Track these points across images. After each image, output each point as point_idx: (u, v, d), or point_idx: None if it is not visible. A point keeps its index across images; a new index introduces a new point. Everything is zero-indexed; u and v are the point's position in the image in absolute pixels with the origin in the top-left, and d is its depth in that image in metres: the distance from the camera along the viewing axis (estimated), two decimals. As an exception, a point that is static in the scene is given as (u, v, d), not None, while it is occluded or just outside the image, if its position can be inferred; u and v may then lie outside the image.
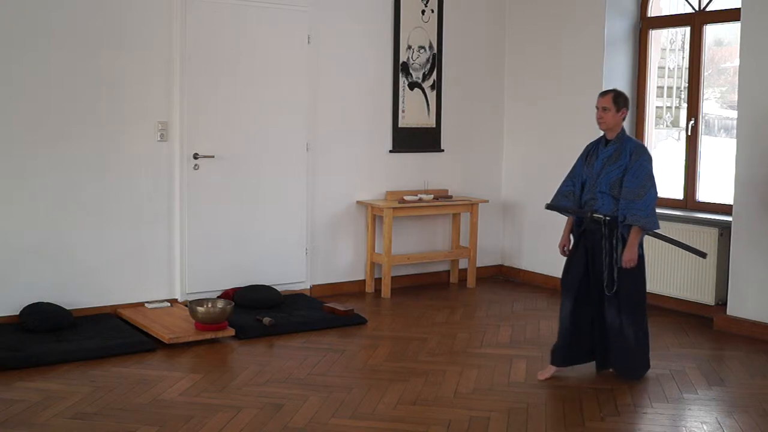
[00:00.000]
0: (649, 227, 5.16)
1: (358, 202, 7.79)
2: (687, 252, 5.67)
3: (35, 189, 6.28)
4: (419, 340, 6.16)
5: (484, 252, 8.47)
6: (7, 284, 6.20)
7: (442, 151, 8.25)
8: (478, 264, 8.28)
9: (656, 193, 5.20)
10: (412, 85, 8.01)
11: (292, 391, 4.99)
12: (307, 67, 7.36)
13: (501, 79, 8.59)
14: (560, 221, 7.92)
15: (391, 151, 7.94)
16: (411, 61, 7.98)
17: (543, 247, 8.21)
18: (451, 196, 8.12)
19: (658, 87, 7.81)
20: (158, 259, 6.82)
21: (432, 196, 7.89)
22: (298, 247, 7.44)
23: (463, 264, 8.31)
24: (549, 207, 5.62)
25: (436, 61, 8.12)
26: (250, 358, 5.60)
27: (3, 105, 6.12)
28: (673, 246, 7.05)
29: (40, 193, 6.30)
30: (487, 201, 8.27)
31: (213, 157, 6.89)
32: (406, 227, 8.02)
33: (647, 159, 5.24)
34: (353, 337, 6.29)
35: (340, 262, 7.74)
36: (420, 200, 7.77)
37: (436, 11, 8.08)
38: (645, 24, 7.64)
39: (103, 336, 5.92)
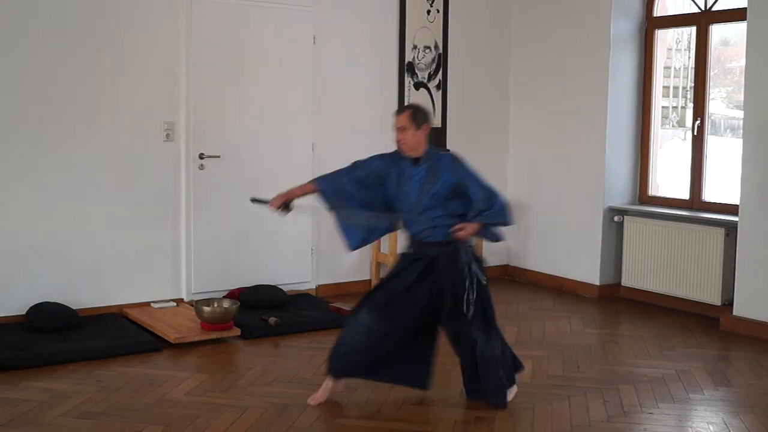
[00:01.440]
0: (509, 223, 4.84)
1: (363, 202, 7.77)
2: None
3: (41, 189, 6.29)
4: (425, 340, 6.15)
5: (490, 251, 8.45)
6: (14, 284, 6.21)
7: (448, 151, 8.22)
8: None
9: (489, 186, 4.85)
10: (418, 85, 8.01)
11: (298, 391, 4.99)
12: (313, 67, 7.36)
13: (506, 79, 8.58)
14: (566, 222, 7.95)
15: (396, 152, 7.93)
16: (416, 61, 7.98)
17: (549, 247, 8.21)
18: (456, 196, 8.10)
19: (663, 87, 7.80)
20: (164, 259, 6.83)
21: (437, 196, 7.87)
22: (304, 247, 7.44)
23: (468, 264, 8.28)
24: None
25: (441, 61, 8.12)
26: (255, 358, 5.60)
27: (8, 105, 6.13)
28: (673, 247, 7.07)
29: (46, 192, 6.31)
30: (492, 201, 8.24)
31: (219, 157, 6.90)
32: (412, 227, 8.00)
33: (462, 161, 4.91)
34: (359, 337, 6.28)
35: (346, 262, 7.74)
36: (425, 200, 7.75)
37: (441, 11, 8.08)
38: (651, 24, 7.63)
39: (109, 336, 5.92)
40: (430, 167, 4.81)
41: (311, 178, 5.02)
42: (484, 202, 4.76)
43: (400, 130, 4.80)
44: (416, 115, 4.80)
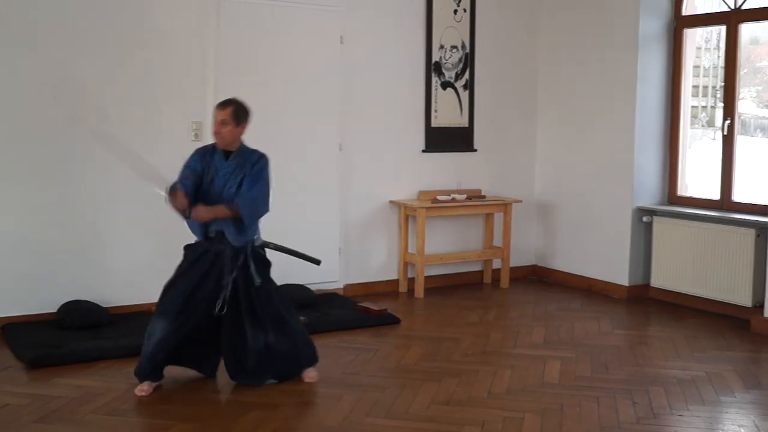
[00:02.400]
0: (244, 220, 4.91)
1: (391, 202, 7.79)
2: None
3: (73, 189, 6.36)
4: (452, 340, 6.16)
5: (518, 252, 8.44)
6: (46, 282, 6.28)
7: (475, 150, 8.23)
8: (512, 264, 8.25)
9: (266, 203, 5.02)
10: (445, 85, 8.01)
11: (326, 390, 5.01)
12: (340, 67, 7.38)
13: (534, 78, 8.55)
14: (594, 222, 7.91)
15: (423, 151, 7.95)
16: (443, 61, 7.98)
17: (577, 247, 8.18)
18: (484, 196, 8.11)
19: (693, 86, 7.74)
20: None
21: (465, 196, 7.88)
22: (332, 247, 7.46)
23: (496, 264, 8.29)
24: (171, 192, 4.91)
25: (468, 61, 8.11)
26: (284, 357, 5.62)
27: (40, 107, 6.20)
28: (702, 248, 7.02)
29: (78, 193, 6.38)
30: (520, 201, 8.24)
31: (247, 156, 6.93)
32: (439, 227, 8.01)
33: (268, 169, 5.06)
34: (386, 336, 6.30)
35: (374, 261, 7.75)
36: (453, 200, 7.77)
37: (468, 11, 8.07)
38: (679, 23, 7.58)
39: (138, 334, 5.90)
40: (239, 163, 5.01)
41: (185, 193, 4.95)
42: (246, 192, 4.93)
43: (221, 123, 4.96)
44: (239, 112, 5.00)
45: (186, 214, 4.93)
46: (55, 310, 6.24)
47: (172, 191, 4.81)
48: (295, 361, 5.18)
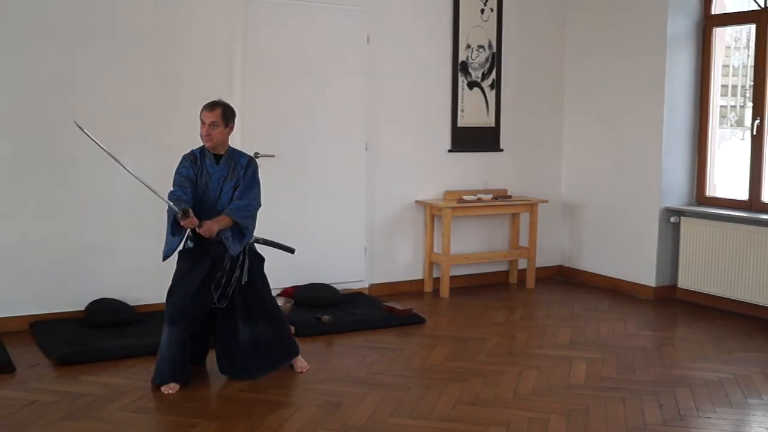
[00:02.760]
0: (242, 223, 5.02)
1: (416, 201, 7.79)
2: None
3: (100, 189, 6.41)
4: (478, 341, 6.15)
5: (544, 252, 8.41)
6: (74, 280, 6.34)
7: (501, 150, 8.21)
8: (538, 264, 8.23)
9: (258, 204, 5.15)
10: (471, 85, 7.99)
11: (351, 390, 5.02)
12: (367, 67, 7.38)
13: (561, 78, 8.52)
14: (621, 223, 7.86)
15: (450, 151, 7.94)
16: (470, 61, 7.96)
17: (603, 248, 8.14)
18: (510, 196, 8.08)
19: (722, 86, 7.67)
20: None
21: (491, 195, 7.86)
22: (357, 247, 7.47)
23: (522, 264, 8.26)
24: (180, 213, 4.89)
25: (495, 60, 8.09)
26: (309, 356, 5.63)
27: (66, 107, 6.24)
28: (730, 249, 6.95)
29: (104, 193, 6.43)
30: (546, 201, 8.21)
31: (273, 156, 6.95)
32: (465, 227, 8.00)
33: (257, 173, 5.17)
34: (412, 336, 6.30)
35: (399, 261, 7.76)
36: (479, 200, 7.75)
37: (495, 10, 8.04)
38: (709, 22, 7.51)
39: (165, 332, 6.01)
40: (230, 165, 5.10)
41: (184, 204, 4.95)
42: (237, 201, 5.04)
43: (210, 125, 5.00)
44: (227, 112, 5.05)
45: (197, 227, 4.97)
46: (82, 308, 6.30)
47: (185, 215, 4.83)
48: (284, 348, 5.36)
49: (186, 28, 6.64)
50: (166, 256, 5.08)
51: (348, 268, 7.45)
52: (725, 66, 7.74)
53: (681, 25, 7.47)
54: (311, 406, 4.73)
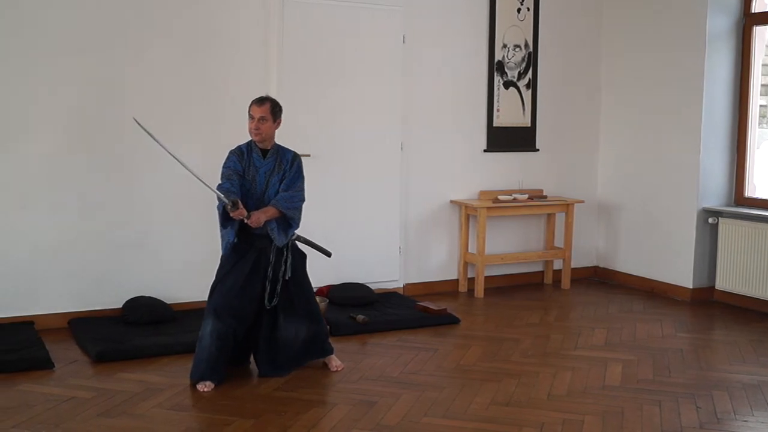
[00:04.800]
0: (288, 214, 5.12)
1: (451, 201, 7.78)
2: None
3: (138, 188, 6.48)
4: (512, 341, 6.13)
5: (579, 253, 8.36)
6: (111, 279, 6.42)
7: (537, 150, 8.17)
8: (573, 265, 8.18)
9: (303, 197, 5.26)
10: (507, 84, 7.96)
11: (385, 389, 5.02)
12: (402, 67, 7.39)
13: (597, 78, 8.46)
14: (658, 223, 7.80)
15: (485, 151, 7.92)
16: (506, 60, 7.93)
17: (640, 248, 8.07)
18: (545, 196, 8.05)
19: (762, 85, 7.58)
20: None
21: (526, 195, 7.83)
22: (392, 246, 7.48)
23: (557, 265, 8.22)
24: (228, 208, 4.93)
25: (531, 60, 8.05)
26: (343, 355, 5.64)
27: (105, 106, 6.32)
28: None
29: (142, 192, 6.49)
30: (582, 201, 8.16)
31: (309, 156, 6.97)
32: (500, 227, 7.97)
33: (302, 167, 5.29)
34: (446, 336, 6.29)
35: (434, 261, 7.75)
36: (514, 200, 7.72)
37: (531, 9, 8.01)
38: (749, 20, 7.42)
39: (200, 330, 6.04)
40: (276, 160, 5.21)
41: (235, 197, 4.99)
42: (285, 193, 5.15)
43: (259, 120, 5.12)
44: (275, 108, 5.17)
45: (245, 218, 5.01)
46: (119, 306, 6.37)
47: (234, 206, 4.90)
48: (319, 347, 5.42)
49: (222, 29, 6.68)
50: (225, 249, 5.17)
51: (383, 268, 7.45)
52: (765, 65, 7.64)
53: (720, 24, 7.39)
54: (345, 405, 4.74)
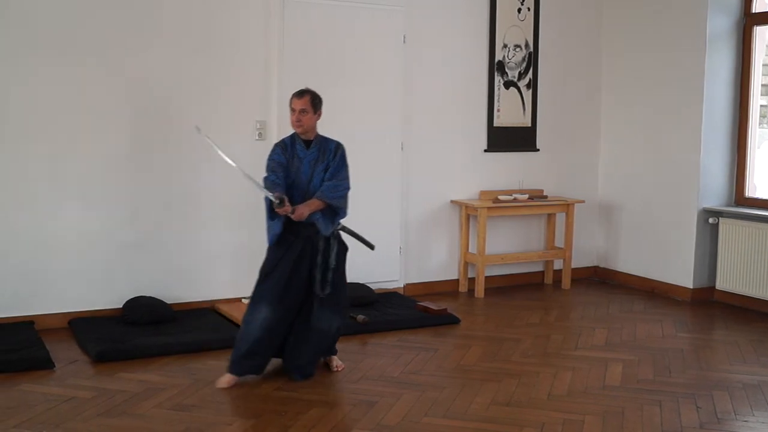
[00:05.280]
0: (334, 203, 5.18)
1: (452, 201, 7.78)
2: None
3: (138, 188, 6.47)
4: (513, 341, 6.13)
5: (580, 253, 8.36)
6: (111, 279, 6.41)
7: (538, 150, 8.17)
8: (573, 265, 8.18)
9: (349, 185, 5.29)
10: (508, 84, 7.96)
11: (385, 389, 5.02)
12: (403, 67, 7.39)
13: (598, 78, 8.46)
14: (658, 223, 7.80)
15: (486, 151, 7.92)
16: (507, 60, 7.93)
17: (640, 248, 8.07)
18: (546, 196, 8.04)
19: (762, 85, 7.58)
20: (254, 255, 6.90)
21: (527, 195, 7.83)
22: (393, 246, 7.47)
23: (557, 265, 8.22)
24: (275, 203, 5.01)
25: (532, 60, 8.05)
26: (343, 356, 5.64)
27: (100, 105, 6.32)
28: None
29: (142, 192, 6.49)
30: (583, 201, 8.16)
31: (309, 155, 6.97)
32: (501, 227, 7.97)
33: (346, 156, 5.35)
34: (446, 336, 6.29)
35: (434, 261, 7.75)
36: (515, 200, 7.72)
37: (532, 9, 8.01)
38: (749, 20, 7.42)
39: (201, 330, 6.06)
40: (319, 149, 5.29)
41: (281, 193, 5.06)
42: (330, 182, 5.21)
43: (300, 112, 5.20)
44: (315, 100, 5.26)
45: (290, 212, 5.08)
46: (120, 306, 6.37)
47: (281, 203, 4.98)
48: (331, 345, 5.44)
49: (223, 28, 6.68)
50: (272, 241, 5.22)
51: (383, 268, 7.45)
52: (765, 65, 7.64)
53: (721, 24, 7.39)
54: (345, 405, 4.74)
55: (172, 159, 6.58)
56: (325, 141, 5.34)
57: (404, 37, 7.37)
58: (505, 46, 7.91)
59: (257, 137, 6.82)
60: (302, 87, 5.32)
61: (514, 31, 7.94)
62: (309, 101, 5.22)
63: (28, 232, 6.16)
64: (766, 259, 6.97)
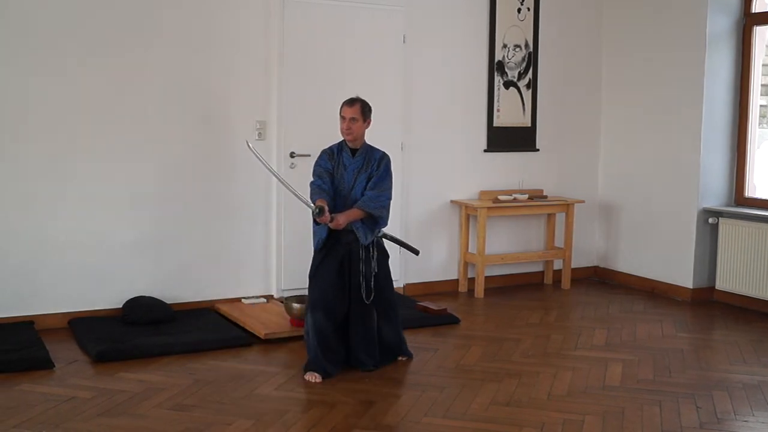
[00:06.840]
0: (375, 213, 5.27)
1: (452, 201, 7.78)
2: None
3: (137, 188, 6.47)
4: (513, 341, 6.13)
5: (580, 253, 8.36)
6: (111, 279, 6.41)
7: (538, 150, 8.17)
8: (573, 265, 8.18)
9: (390, 195, 5.39)
10: (508, 84, 7.96)
11: (385, 389, 5.03)
12: (403, 67, 7.39)
13: (598, 78, 8.46)
14: (658, 223, 7.80)
15: (485, 151, 7.92)
16: (506, 60, 7.93)
17: (640, 248, 8.07)
18: (546, 196, 8.04)
19: (762, 85, 7.58)
20: (255, 255, 6.94)
21: (527, 195, 7.83)
22: (393, 247, 7.45)
23: (557, 265, 8.22)
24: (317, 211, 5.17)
25: (531, 60, 8.05)
26: (343, 355, 5.64)
27: (100, 105, 6.32)
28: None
29: (142, 191, 6.48)
30: (583, 201, 8.16)
31: (309, 155, 6.96)
32: (500, 227, 7.97)
33: (390, 167, 5.43)
34: (446, 336, 6.29)
35: (434, 261, 7.75)
36: (514, 200, 7.72)
37: (532, 9, 8.01)
38: (749, 20, 7.42)
39: (201, 330, 6.06)
40: (365, 158, 5.40)
41: (322, 201, 5.23)
42: (371, 192, 5.30)
43: (350, 120, 5.34)
44: (365, 108, 5.39)
45: (329, 221, 5.19)
46: (120, 306, 6.37)
47: (320, 213, 5.10)
48: (394, 349, 5.55)
49: (223, 27, 6.68)
50: (317, 245, 5.37)
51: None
52: (765, 65, 7.64)
53: (721, 24, 7.39)
54: (345, 405, 4.74)
55: (172, 159, 6.57)
56: (371, 150, 5.44)
57: (404, 37, 7.37)
58: (504, 46, 7.91)
59: (257, 137, 6.82)
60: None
61: (513, 31, 7.94)
62: (359, 109, 5.34)
63: (28, 232, 6.16)
64: (766, 259, 6.98)
